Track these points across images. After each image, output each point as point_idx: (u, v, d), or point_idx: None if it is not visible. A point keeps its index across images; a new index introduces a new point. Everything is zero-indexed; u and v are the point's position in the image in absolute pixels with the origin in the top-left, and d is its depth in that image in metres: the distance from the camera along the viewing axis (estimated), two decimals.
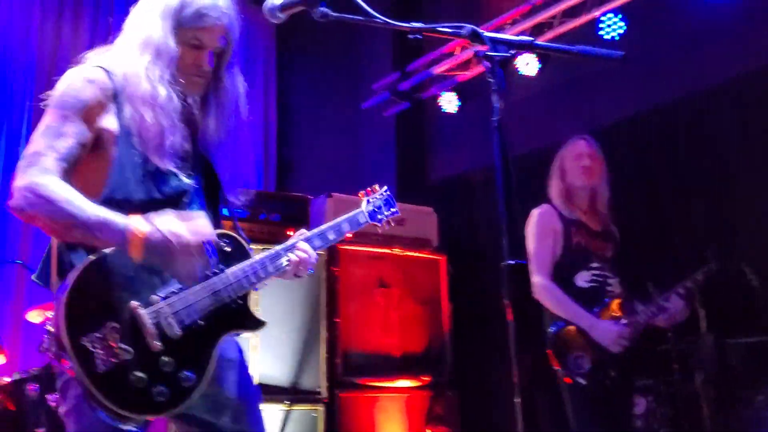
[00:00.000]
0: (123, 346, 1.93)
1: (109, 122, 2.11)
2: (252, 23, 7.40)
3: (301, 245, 2.37)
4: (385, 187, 2.74)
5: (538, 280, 3.83)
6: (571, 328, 3.77)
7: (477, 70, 6.86)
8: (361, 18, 1.97)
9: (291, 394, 5.24)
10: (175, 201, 2.16)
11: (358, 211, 2.62)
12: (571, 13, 6.16)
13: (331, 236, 2.49)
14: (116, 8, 7.53)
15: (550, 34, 6.25)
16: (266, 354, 5.16)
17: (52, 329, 1.94)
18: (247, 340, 4.84)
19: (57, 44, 7.21)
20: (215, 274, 2.16)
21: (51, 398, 4.39)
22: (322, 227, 2.48)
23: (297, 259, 2.34)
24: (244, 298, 2.23)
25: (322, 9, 2.00)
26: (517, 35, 6.36)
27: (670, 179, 5.36)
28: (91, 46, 2.30)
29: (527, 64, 6.37)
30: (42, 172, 1.97)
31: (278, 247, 2.34)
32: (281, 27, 2.10)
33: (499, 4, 6.80)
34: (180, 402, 2.01)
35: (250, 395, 2.31)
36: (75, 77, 2.12)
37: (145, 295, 2.01)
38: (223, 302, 2.14)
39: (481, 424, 6.01)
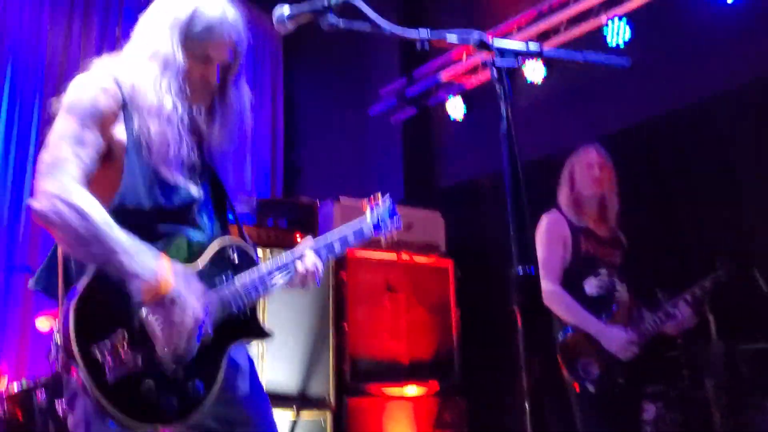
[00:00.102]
0: (132, 355, 1.92)
1: (120, 132, 2.11)
2: (259, 29, 7.44)
3: (309, 255, 2.36)
4: (388, 197, 2.72)
5: (548, 287, 3.83)
6: (580, 334, 3.76)
7: (484, 76, 6.87)
8: (369, 28, 1.96)
9: (299, 400, 5.23)
10: (184, 211, 2.17)
11: (362, 223, 2.60)
12: (578, 19, 6.16)
13: (337, 247, 2.48)
14: (125, 15, 7.58)
15: (556, 40, 6.26)
16: (274, 360, 5.15)
17: (59, 338, 1.93)
18: (254, 346, 4.83)
19: (66, 49, 7.27)
20: (223, 283, 2.16)
21: (59, 406, 4.40)
22: (329, 237, 2.47)
23: (305, 270, 2.33)
24: (253, 308, 2.23)
25: (330, 19, 2.00)
26: (524, 41, 6.36)
27: (679, 185, 5.35)
28: (99, 51, 2.31)
29: (534, 70, 6.37)
30: (72, 180, 1.96)
31: (286, 258, 2.33)
32: (289, 33, 2.09)
33: (506, 10, 6.81)
34: (189, 413, 2.00)
35: (261, 404, 2.30)
36: (88, 84, 2.11)
37: None
38: (231, 312, 2.14)
39: (490, 430, 5.99)
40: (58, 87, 2.17)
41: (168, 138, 2.12)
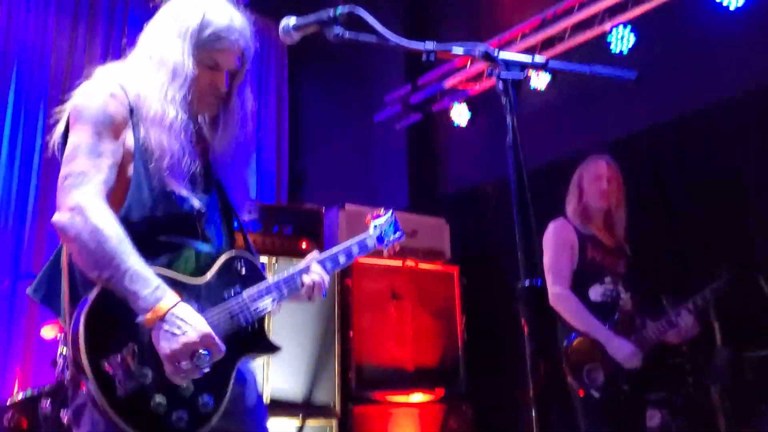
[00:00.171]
0: (142, 369, 1.90)
1: (129, 139, 2.09)
2: (264, 36, 7.46)
3: (315, 268, 2.37)
4: (391, 211, 2.76)
5: (557, 290, 3.85)
6: (585, 340, 3.77)
7: (488, 82, 6.87)
8: (374, 39, 1.97)
9: (304, 408, 5.22)
10: (191, 222, 2.15)
11: (366, 235, 2.66)
12: (581, 26, 6.16)
13: (342, 259, 2.50)
14: (130, 22, 7.60)
15: (560, 48, 6.26)
16: (279, 368, 5.14)
17: (68, 350, 1.91)
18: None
19: (71, 56, 7.28)
20: (232, 297, 2.15)
21: (64, 415, 4.39)
22: (333, 250, 2.49)
23: (311, 282, 2.33)
24: (260, 321, 2.22)
25: (336, 30, 2.00)
26: (527, 49, 6.38)
27: (683, 192, 5.34)
28: (104, 58, 2.30)
29: (538, 77, 6.37)
30: (92, 194, 1.96)
31: (292, 270, 2.33)
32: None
33: (510, 17, 6.82)
34: (199, 427, 1.98)
35: (261, 419, 2.28)
36: (96, 92, 2.10)
37: None
38: (239, 325, 2.14)
39: None
40: (62, 94, 2.16)
41: (173, 148, 2.10)
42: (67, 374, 1.94)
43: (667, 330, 3.81)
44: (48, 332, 5.04)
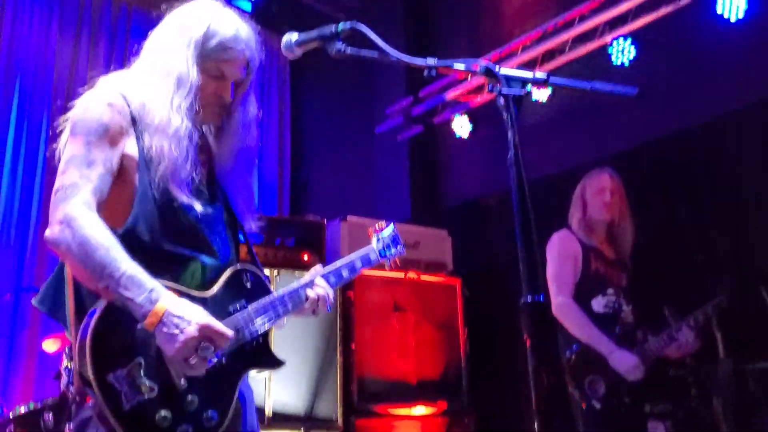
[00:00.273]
0: (148, 383, 1.89)
1: (131, 148, 2.08)
2: (266, 47, 7.47)
3: (319, 282, 2.37)
4: (392, 224, 2.77)
5: (561, 300, 3.86)
6: (587, 351, 3.77)
7: (489, 94, 6.83)
8: (376, 55, 1.98)
9: (306, 421, 5.21)
10: (196, 234, 2.14)
11: (368, 249, 2.66)
12: (582, 39, 6.17)
13: (345, 273, 2.50)
14: (132, 32, 7.62)
15: (561, 60, 6.27)
16: (281, 381, 5.13)
17: (74, 364, 1.90)
18: None
19: (74, 67, 7.29)
20: (237, 311, 2.15)
21: (67, 429, 4.38)
22: (336, 264, 2.50)
23: (316, 296, 2.33)
24: (264, 335, 2.22)
25: (338, 46, 2.02)
26: (528, 61, 6.40)
27: (685, 205, 5.34)
28: (107, 69, 2.28)
29: (539, 89, 6.38)
30: (81, 205, 1.94)
31: (296, 285, 2.32)
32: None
33: (511, 30, 6.84)
34: None
35: None
36: (94, 101, 2.09)
37: None
38: (244, 340, 2.13)
39: None
40: (65, 105, 2.15)
41: (178, 157, 2.09)
42: (72, 388, 1.92)
43: (668, 344, 3.83)
44: (50, 346, 5.02)
